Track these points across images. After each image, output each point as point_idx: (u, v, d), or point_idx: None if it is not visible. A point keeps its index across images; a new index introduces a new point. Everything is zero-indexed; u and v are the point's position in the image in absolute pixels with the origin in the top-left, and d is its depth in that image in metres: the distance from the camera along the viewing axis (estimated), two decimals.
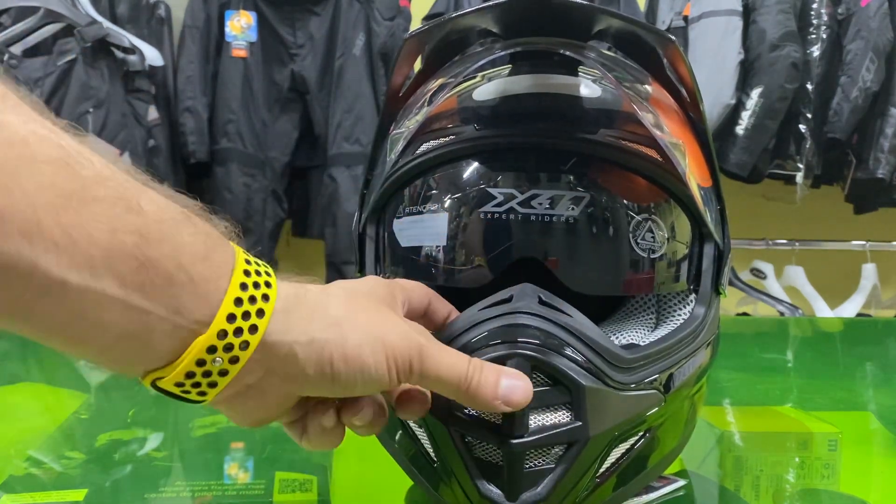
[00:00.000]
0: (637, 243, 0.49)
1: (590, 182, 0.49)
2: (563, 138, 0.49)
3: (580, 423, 0.43)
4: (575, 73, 0.53)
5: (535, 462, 0.43)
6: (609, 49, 0.56)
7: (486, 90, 0.52)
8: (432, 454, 0.47)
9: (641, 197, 0.49)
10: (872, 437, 0.77)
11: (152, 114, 2.12)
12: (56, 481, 0.59)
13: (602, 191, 0.49)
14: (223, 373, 0.35)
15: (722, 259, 0.53)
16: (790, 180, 2.32)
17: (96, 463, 0.63)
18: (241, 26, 2.20)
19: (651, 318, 0.54)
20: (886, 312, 2.44)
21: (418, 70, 0.56)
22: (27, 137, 0.29)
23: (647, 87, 0.54)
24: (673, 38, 0.48)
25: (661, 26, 2.23)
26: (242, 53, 2.20)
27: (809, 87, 2.23)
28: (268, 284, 0.35)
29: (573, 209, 0.47)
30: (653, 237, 0.49)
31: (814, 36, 2.25)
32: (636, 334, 0.52)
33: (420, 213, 0.51)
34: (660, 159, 0.49)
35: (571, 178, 0.48)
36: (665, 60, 0.52)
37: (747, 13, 2.22)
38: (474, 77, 0.54)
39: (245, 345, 0.34)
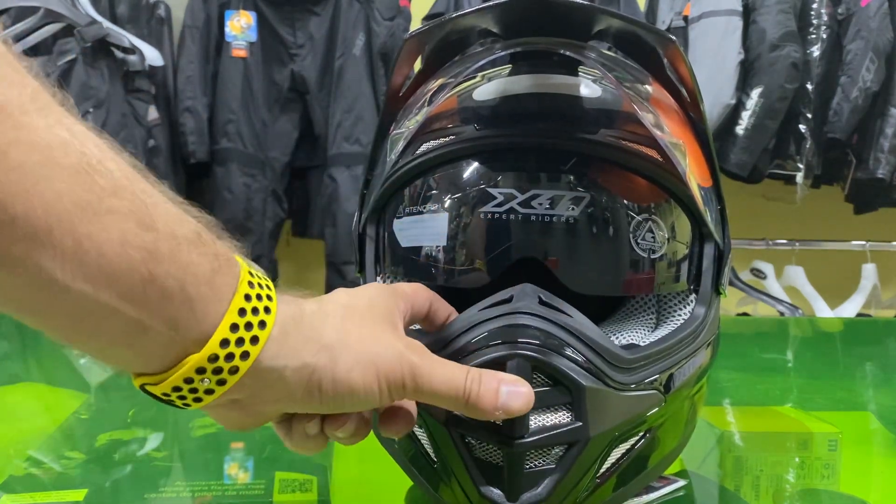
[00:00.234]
0: (637, 243, 0.49)
1: (590, 182, 0.49)
2: (564, 138, 0.49)
3: (580, 424, 0.43)
4: (575, 73, 0.53)
5: (536, 462, 0.43)
6: (609, 49, 0.56)
7: (487, 90, 0.52)
8: (432, 455, 0.47)
9: (642, 197, 0.49)
10: (872, 437, 0.77)
11: (152, 114, 2.12)
12: (56, 481, 0.59)
13: (602, 191, 0.49)
14: (209, 391, 0.35)
15: (722, 259, 0.52)
16: (790, 180, 2.32)
17: (96, 463, 0.63)
18: (241, 26, 2.20)
19: (651, 319, 0.54)
20: (886, 312, 2.44)
21: (418, 70, 0.56)
22: (51, 142, 0.29)
23: (647, 87, 0.54)
24: (673, 38, 0.48)
25: (661, 26, 2.23)
26: (242, 53, 2.20)
27: (809, 87, 2.23)
28: (267, 310, 0.35)
29: (573, 209, 0.47)
30: (653, 237, 0.49)
31: (814, 36, 2.25)
32: (636, 334, 0.52)
33: (420, 213, 0.51)
34: (660, 159, 0.49)
35: (571, 178, 0.48)
36: (665, 60, 0.52)
37: (747, 13, 2.22)
38: (474, 77, 0.54)
39: (235, 369, 0.35)
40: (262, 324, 0.35)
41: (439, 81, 0.54)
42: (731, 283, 0.56)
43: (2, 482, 0.58)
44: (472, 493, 0.44)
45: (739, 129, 2.20)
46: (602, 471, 0.46)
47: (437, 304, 0.47)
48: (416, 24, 2.30)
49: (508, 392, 0.40)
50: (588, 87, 0.52)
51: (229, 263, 0.35)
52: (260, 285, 0.36)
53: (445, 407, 0.41)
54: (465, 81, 0.53)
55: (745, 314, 2.34)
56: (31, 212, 0.28)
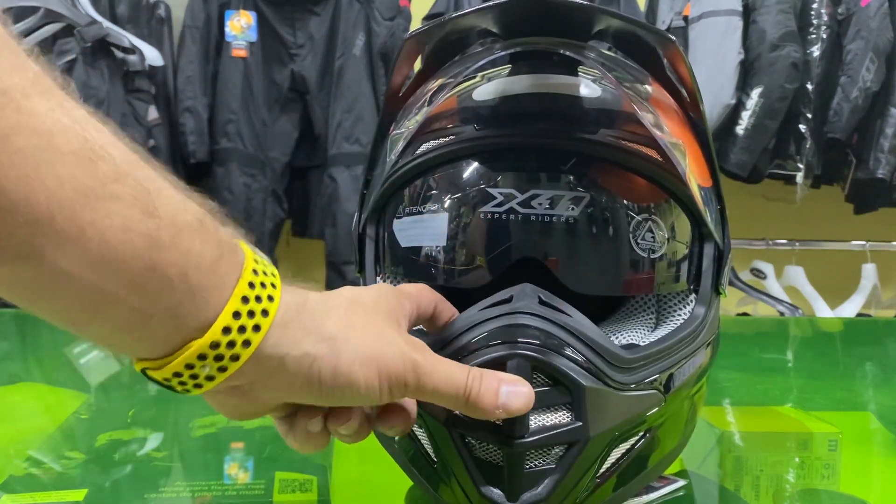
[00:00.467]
0: (637, 243, 0.49)
1: (590, 182, 0.49)
2: (563, 138, 0.49)
3: (580, 424, 0.43)
4: (575, 73, 0.53)
5: (536, 462, 0.43)
6: (608, 49, 0.56)
7: (486, 90, 0.52)
8: (432, 455, 0.47)
9: (641, 197, 0.49)
10: (872, 437, 0.77)
11: (152, 114, 2.12)
12: (56, 481, 0.59)
13: (602, 191, 0.49)
14: (210, 378, 0.35)
15: (722, 259, 0.52)
16: (790, 180, 2.32)
17: (96, 463, 0.63)
18: (241, 26, 2.20)
19: (651, 318, 0.54)
20: (886, 312, 2.44)
21: (418, 70, 0.56)
22: (52, 128, 0.28)
23: (647, 87, 0.54)
24: (673, 38, 0.48)
25: (661, 26, 2.23)
26: (242, 53, 2.20)
27: (809, 87, 2.23)
28: (270, 298, 0.35)
29: (573, 209, 0.47)
30: (653, 237, 0.49)
31: (814, 36, 2.25)
32: (636, 334, 0.52)
33: (420, 213, 0.51)
34: (660, 159, 0.49)
35: (571, 178, 0.48)
36: (665, 60, 0.52)
37: (747, 13, 2.22)
38: (474, 77, 0.54)
39: (236, 357, 0.34)
40: (265, 312, 0.35)
41: (439, 81, 0.54)
42: (731, 283, 0.56)
43: (2, 482, 0.58)
44: (472, 493, 0.44)
45: (739, 129, 2.20)
46: (602, 471, 0.46)
47: (442, 305, 0.47)
48: (416, 24, 2.30)
49: (509, 392, 0.40)
50: (588, 87, 0.52)
51: (232, 251, 0.35)
52: (264, 272, 0.36)
53: (446, 406, 0.41)
54: (464, 81, 0.53)
55: (745, 314, 2.34)
56: (33, 197, 0.27)
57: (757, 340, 1.35)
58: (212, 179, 2.23)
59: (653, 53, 0.53)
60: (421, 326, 0.50)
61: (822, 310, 2.30)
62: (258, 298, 0.34)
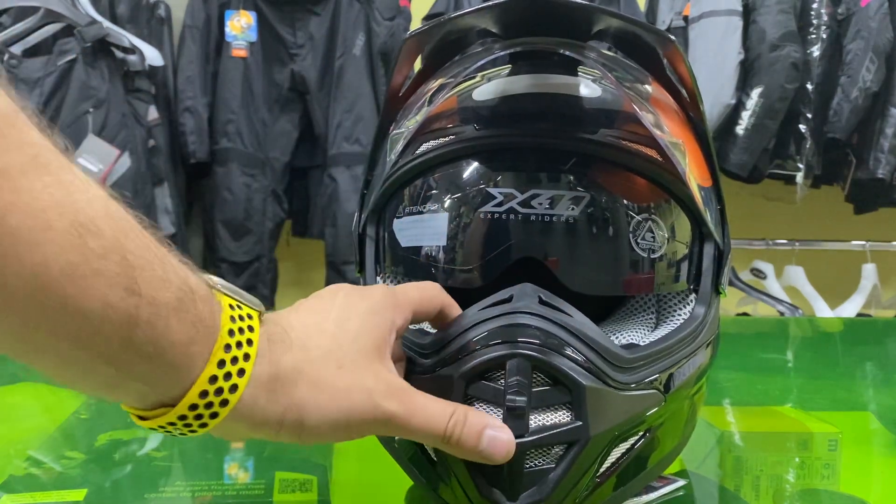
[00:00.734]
0: (637, 243, 0.49)
1: (590, 182, 0.49)
2: (563, 138, 0.49)
3: (580, 423, 0.43)
4: (575, 73, 0.53)
5: (536, 462, 0.43)
6: (608, 49, 0.56)
7: (486, 90, 0.52)
8: (432, 454, 0.47)
9: (641, 197, 0.49)
10: (872, 437, 0.77)
11: (152, 114, 2.12)
12: (56, 481, 0.59)
13: (602, 191, 0.49)
14: (184, 434, 0.38)
15: (722, 259, 0.53)
16: (790, 180, 2.32)
17: (96, 463, 0.63)
18: (241, 26, 2.20)
19: (651, 318, 0.54)
20: (886, 312, 2.44)
21: (418, 70, 0.56)
22: (45, 206, 0.29)
23: (647, 87, 0.54)
24: (673, 38, 0.48)
25: (661, 26, 2.23)
26: (242, 53, 2.20)
27: (809, 87, 2.23)
28: (241, 373, 0.36)
29: (573, 209, 0.47)
30: (653, 237, 0.49)
31: (814, 36, 2.25)
32: (636, 334, 0.52)
33: (420, 212, 0.51)
34: (660, 159, 0.49)
35: (571, 177, 0.48)
36: (665, 60, 0.52)
37: (747, 13, 2.22)
38: (474, 77, 0.53)
39: (204, 424, 0.37)
40: (234, 387, 0.36)
41: (439, 81, 0.54)
42: (731, 283, 0.56)
43: (2, 482, 0.58)
44: (472, 493, 0.44)
45: (739, 129, 2.20)
46: (602, 470, 0.46)
47: (450, 309, 0.47)
48: (416, 24, 2.30)
49: (491, 437, 0.41)
50: (588, 87, 0.52)
51: (207, 329, 0.35)
52: (238, 343, 0.36)
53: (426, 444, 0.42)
54: (464, 81, 0.53)
55: (745, 314, 2.34)
56: (22, 274, 0.29)
57: (757, 340, 1.35)
58: (212, 179, 2.23)
59: (652, 53, 0.53)
60: (422, 326, 0.50)
61: (822, 310, 2.30)
62: (227, 375, 0.36)
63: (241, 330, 0.37)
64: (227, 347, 0.36)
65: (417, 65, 0.56)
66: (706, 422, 0.74)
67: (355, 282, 0.54)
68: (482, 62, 0.53)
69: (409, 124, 0.52)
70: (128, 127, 2.03)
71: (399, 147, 0.52)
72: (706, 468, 0.64)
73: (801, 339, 1.44)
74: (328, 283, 2.22)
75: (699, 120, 0.54)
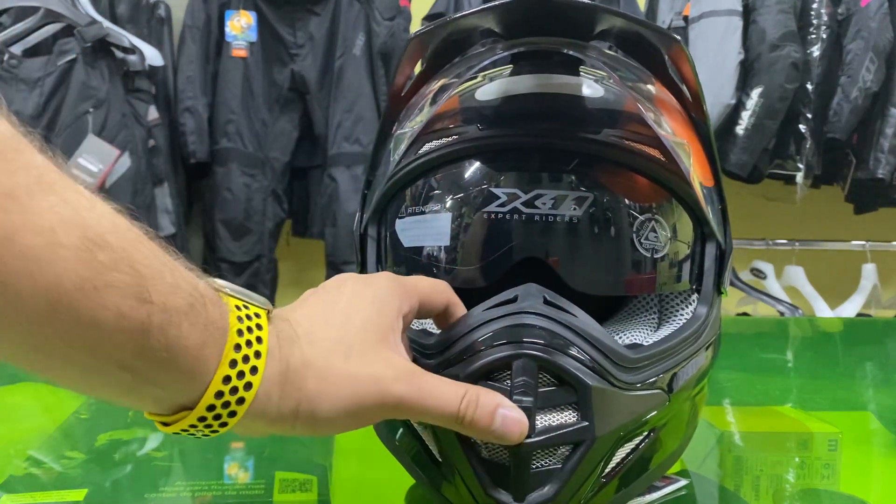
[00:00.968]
0: (641, 243, 0.49)
1: (593, 182, 0.49)
2: (567, 138, 0.49)
3: (587, 423, 0.43)
4: (578, 73, 0.53)
5: (542, 462, 0.43)
6: (609, 48, 0.56)
7: (489, 90, 0.52)
8: (436, 454, 0.47)
9: (645, 197, 0.49)
10: (872, 437, 0.77)
11: (152, 114, 2.12)
12: (56, 481, 0.59)
13: (606, 191, 0.49)
14: (207, 435, 0.38)
15: (724, 259, 0.53)
16: (790, 180, 2.32)
17: (96, 463, 0.63)
18: (241, 26, 2.20)
19: (653, 318, 0.54)
20: (886, 312, 2.44)
21: (420, 71, 0.56)
22: (54, 224, 0.30)
23: (650, 87, 0.54)
24: (678, 37, 0.48)
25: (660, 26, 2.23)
26: (242, 53, 2.20)
27: (809, 87, 2.23)
28: (254, 370, 0.37)
29: (577, 209, 0.47)
30: (656, 237, 0.49)
31: (814, 36, 2.25)
32: (639, 334, 0.52)
33: (423, 213, 0.51)
34: (663, 159, 0.49)
35: (575, 178, 0.48)
36: (668, 60, 0.52)
37: (747, 13, 2.22)
38: (477, 77, 0.53)
39: (224, 425, 0.37)
40: (249, 385, 0.37)
41: (441, 81, 0.54)
42: (731, 283, 0.56)
43: (2, 482, 0.58)
44: (478, 493, 0.44)
45: (739, 129, 2.20)
46: (607, 471, 0.46)
47: (455, 308, 0.47)
48: (416, 24, 2.30)
49: (505, 415, 0.41)
50: (591, 87, 0.52)
51: (218, 333, 0.36)
52: (249, 343, 0.37)
53: (440, 425, 0.42)
54: (467, 81, 0.53)
55: (745, 314, 2.34)
56: (36, 292, 0.30)
57: (757, 340, 1.35)
58: (212, 179, 2.23)
59: (655, 53, 0.53)
60: (425, 326, 0.49)
61: (822, 310, 2.30)
62: (241, 374, 0.36)
63: (249, 329, 0.37)
64: (238, 347, 0.36)
65: (418, 66, 0.56)
66: (706, 422, 0.74)
67: None
68: (485, 62, 0.53)
69: (412, 124, 0.52)
70: (128, 127, 2.03)
71: (402, 147, 0.52)
72: (706, 468, 0.64)
73: (801, 339, 1.44)
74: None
75: (701, 120, 0.54)
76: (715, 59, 2.17)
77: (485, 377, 0.43)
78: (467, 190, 0.49)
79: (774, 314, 2.22)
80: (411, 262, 0.51)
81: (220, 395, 0.36)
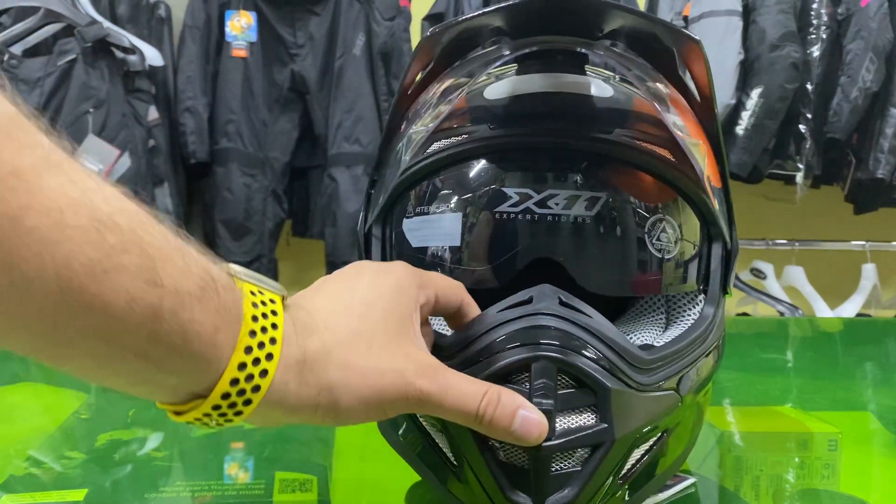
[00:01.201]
0: (653, 244, 0.48)
1: (606, 182, 0.48)
2: (579, 138, 0.49)
3: (606, 425, 0.42)
4: (587, 72, 0.52)
5: (561, 465, 0.43)
6: (614, 45, 0.56)
7: (499, 89, 0.52)
8: (448, 454, 0.46)
9: (657, 197, 0.49)
10: (872, 437, 0.77)
11: (152, 114, 2.12)
12: (56, 481, 0.59)
13: (618, 191, 0.48)
14: (221, 424, 0.37)
15: (730, 259, 0.53)
16: (790, 180, 2.32)
17: (96, 463, 0.63)
18: (241, 26, 2.20)
19: (661, 318, 0.53)
20: (886, 312, 2.44)
21: (428, 70, 0.56)
22: (61, 204, 0.29)
23: (661, 86, 0.54)
24: (696, 37, 0.48)
25: None
26: (242, 53, 2.20)
27: (809, 87, 2.23)
28: (269, 357, 0.36)
29: (589, 209, 0.47)
30: (668, 237, 0.49)
31: (814, 36, 2.25)
32: (649, 335, 0.52)
33: (433, 213, 0.50)
34: (673, 160, 0.49)
35: (587, 178, 0.48)
36: (679, 60, 0.52)
37: (747, 13, 2.22)
38: (487, 76, 0.53)
39: (239, 413, 0.36)
40: (264, 372, 0.36)
41: (449, 81, 0.54)
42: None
43: (2, 482, 0.58)
44: (496, 495, 0.43)
45: (739, 129, 2.20)
46: (623, 472, 0.45)
47: (469, 308, 0.46)
48: (416, 24, 2.30)
49: (524, 417, 0.40)
50: (601, 86, 0.52)
51: (231, 318, 0.35)
52: (263, 329, 0.36)
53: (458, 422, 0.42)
54: (478, 81, 0.53)
55: (745, 314, 2.34)
56: (45, 275, 0.29)
57: (757, 340, 1.35)
58: (212, 179, 2.23)
59: (664, 52, 0.52)
60: (439, 325, 0.49)
61: (822, 310, 2.30)
62: (256, 361, 0.36)
63: (264, 315, 0.36)
64: (252, 333, 0.36)
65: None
66: (706, 422, 0.74)
67: None
68: (493, 61, 0.53)
69: (421, 123, 0.52)
70: (128, 127, 2.04)
71: (412, 147, 0.51)
72: (706, 468, 0.64)
73: (801, 339, 1.44)
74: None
75: (710, 120, 0.54)
76: (715, 59, 2.17)
77: (503, 380, 0.42)
78: (478, 190, 0.49)
79: (774, 314, 2.22)
80: (419, 262, 0.51)
81: (235, 382, 0.35)
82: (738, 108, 2.20)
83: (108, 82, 2.00)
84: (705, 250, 0.51)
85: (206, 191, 2.27)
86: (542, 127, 0.49)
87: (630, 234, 0.48)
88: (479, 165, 0.50)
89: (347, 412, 0.38)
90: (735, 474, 0.63)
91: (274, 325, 0.37)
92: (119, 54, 2.02)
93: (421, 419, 0.47)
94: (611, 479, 0.44)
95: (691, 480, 0.57)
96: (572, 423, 0.42)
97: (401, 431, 0.50)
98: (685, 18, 2.26)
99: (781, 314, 2.19)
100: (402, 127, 0.55)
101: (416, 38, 2.27)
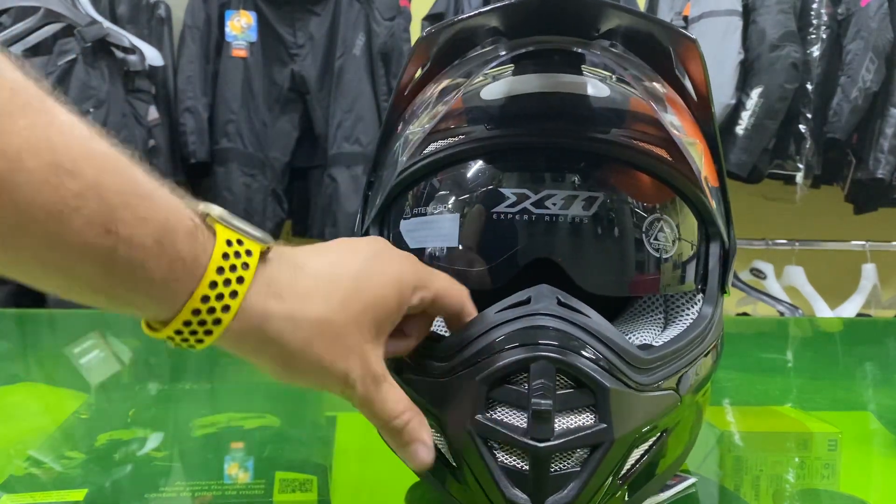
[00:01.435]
0: (650, 243, 0.48)
1: (603, 182, 0.48)
2: (576, 138, 0.49)
3: (605, 426, 0.42)
4: (583, 72, 0.52)
5: (560, 465, 0.43)
6: (612, 46, 0.56)
7: (495, 89, 0.52)
8: (446, 454, 0.46)
9: (654, 197, 0.49)
10: (872, 437, 0.77)
11: (152, 114, 2.12)
12: (56, 481, 0.59)
13: (615, 191, 0.48)
14: (185, 344, 0.38)
15: (728, 259, 0.52)
16: (790, 180, 2.32)
17: (96, 463, 0.63)
18: (241, 26, 2.20)
19: (660, 318, 0.53)
20: (886, 312, 2.44)
21: (424, 70, 0.56)
22: (21, 147, 0.30)
23: (660, 86, 0.54)
24: (693, 37, 0.48)
25: None
26: (242, 53, 2.20)
27: (809, 87, 2.23)
28: (226, 308, 0.37)
29: (587, 209, 0.47)
30: (665, 237, 0.49)
31: (814, 36, 2.25)
32: (647, 334, 0.52)
33: (430, 213, 0.50)
34: (670, 159, 0.49)
35: (585, 178, 0.48)
36: (675, 59, 0.52)
37: (747, 13, 2.22)
38: (484, 77, 0.53)
39: (199, 341, 0.38)
40: (217, 321, 0.37)
41: (446, 81, 0.54)
42: (731, 284, 0.56)
43: (2, 482, 0.58)
44: (496, 497, 0.43)
45: (739, 129, 2.20)
46: (622, 474, 0.45)
47: (469, 313, 0.46)
48: (416, 24, 2.30)
49: (415, 448, 0.43)
50: (597, 86, 0.51)
51: (188, 268, 0.36)
52: (227, 281, 0.37)
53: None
54: (474, 81, 0.53)
55: (745, 314, 2.34)
56: (6, 213, 0.30)
57: (757, 340, 1.35)
58: (212, 179, 2.23)
59: (660, 51, 0.52)
60: (433, 329, 0.49)
61: (822, 310, 2.30)
62: (211, 310, 0.36)
63: (232, 268, 0.37)
64: (213, 285, 0.36)
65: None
66: (706, 422, 0.73)
67: None
68: (490, 61, 0.53)
69: (418, 124, 0.52)
70: (128, 127, 2.04)
71: (409, 148, 0.51)
72: (706, 468, 0.64)
73: (801, 339, 1.44)
74: None
75: (708, 120, 0.54)
76: (715, 59, 2.17)
77: (501, 381, 0.42)
78: (475, 190, 0.49)
79: (774, 314, 2.22)
80: None
81: (188, 323, 0.36)
82: (737, 108, 2.20)
83: (108, 82, 2.00)
84: (703, 250, 0.51)
85: (206, 191, 2.27)
86: (538, 127, 0.49)
87: (628, 234, 0.48)
88: (476, 166, 0.50)
89: (290, 379, 0.40)
90: (735, 474, 0.63)
91: (240, 279, 0.37)
92: (119, 54, 2.02)
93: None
94: (610, 479, 0.44)
95: (692, 480, 0.57)
96: (571, 424, 0.42)
97: None
98: (685, 18, 2.26)
99: (781, 314, 2.19)
100: (399, 127, 0.55)
101: (415, 38, 2.27)
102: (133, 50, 2.04)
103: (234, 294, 0.37)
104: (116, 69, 2.03)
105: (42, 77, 0.33)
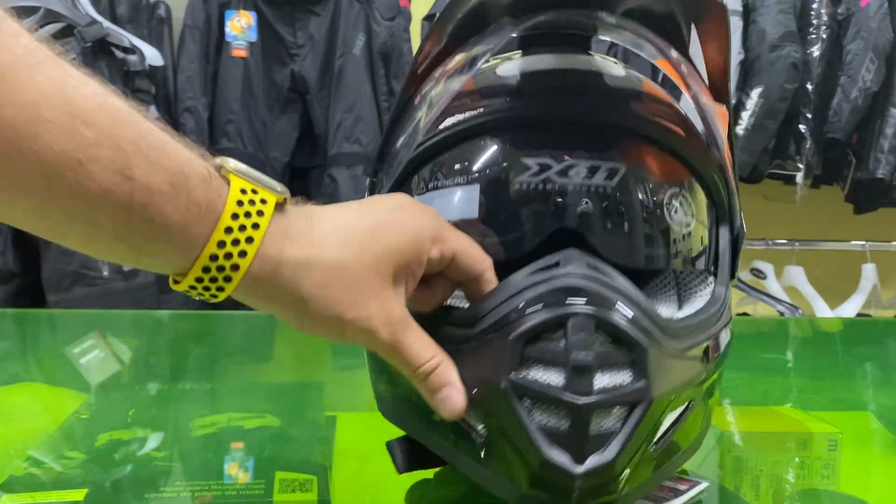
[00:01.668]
0: (672, 217, 0.49)
1: (625, 154, 0.49)
2: (598, 111, 0.49)
3: (643, 383, 0.41)
4: (606, 48, 0.52)
5: (599, 425, 0.41)
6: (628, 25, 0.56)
7: (515, 65, 0.52)
8: (477, 426, 0.44)
9: (673, 172, 0.49)
10: (872, 437, 0.77)
11: (152, 113, 2.12)
12: (56, 481, 0.59)
13: (637, 163, 0.49)
14: (204, 295, 0.39)
15: (737, 242, 0.53)
16: (790, 180, 2.32)
17: (96, 463, 0.63)
18: (241, 26, 2.20)
19: (674, 297, 0.53)
20: (886, 312, 2.44)
21: (439, 48, 0.55)
22: (38, 100, 0.32)
23: (681, 63, 0.54)
24: (724, 3, 0.47)
25: None
26: (242, 53, 2.20)
27: (809, 87, 2.23)
28: (242, 254, 0.38)
29: (609, 179, 0.47)
30: (683, 212, 0.49)
31: (814, 36, 2.25)
32: (665, 312, 0.51)
33: (450, 185, 0.50)
34: (684, 135, 0.49)
35: (606, 149, 0.48)
36: (694, 34, 0.51)
37: (747, 13, 2.22)
38: (499, 56, 0.53)
39: (220, 289, 0.39)
40: (235, 267, 0.38)
41: (461, 58, 0.53)
42: None
43: (2, 482, 0.58)
44: (534, 458, 0.41)
45: (739, 130, 2.20)
46: (655, 439, 0.44)
47: (489, 281, 0.45)
48: (416, 24, 2.30)
49: (448, 390, 0.42)
50: (616, 65, 0.52)
51: (203, 213, 0.37)
52: (242, 227, 0.38)
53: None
54: (490, 59, 0.53)
55: (745, 314, 2.34)
56: (26, 162, 0.32)
57: (757, 340, 1.35)
58: None
59: (676, 29, 0.51)
60: (451, 301, 0.48)
61: (822, 310, 2.30)
62: (228, 255, 0.37)
63: (247, 214, 0.38)
64: (228, 230, 0.37)
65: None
66: None
67: None
68: (505, 39, 0.52)
69: (435, 99, 0.51)
70: None
71: (429, 122, 0.50)
72: (706, 468, 0.64)
73: (801, 339, 1.44)
74: None
75: (723, 99, 0.53)
76: None
77: (535, 339, 0.41)
78: (497, 160, 0.49)
79: (774, 314, 2.22)
80: None
81: (206, 269, 0.37)
82: (737, 108, 2.20)
83: (108, 82, 2.00)
84: (716, 230, 0.52)
85: None
86: (558, 99, 0.49)
87: (650, 206, 0.48)
88: (498, 137, 0.49)
89: (311, 327, 0.41)
90: (735, 474, 0.63)
91: (255, 226, 0.38)
92: (119, 54, 2.02)
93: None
94: (647, 442, 0.43)
95: (705, 485, 0.57)
96: (609, 382, 0.41)
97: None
98: None
99: (781, 314, 2.19)
100: (415, 102, 0.54)
101: (415, 38, 2.27)
102: (133, 50, 2.04)
103: (249, 240, 0.38)
104: (116, 69, 2.03)
105: None
